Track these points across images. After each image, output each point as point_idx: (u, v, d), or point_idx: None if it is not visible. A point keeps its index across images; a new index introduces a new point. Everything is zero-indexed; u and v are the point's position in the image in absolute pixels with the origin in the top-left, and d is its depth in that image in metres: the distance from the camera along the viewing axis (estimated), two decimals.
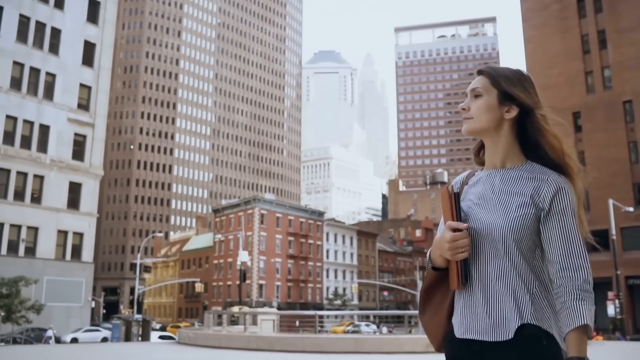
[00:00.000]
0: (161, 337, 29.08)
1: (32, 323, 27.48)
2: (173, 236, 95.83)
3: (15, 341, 25.40)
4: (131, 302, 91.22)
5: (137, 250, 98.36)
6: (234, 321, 20.89)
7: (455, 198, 1.75)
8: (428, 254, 1.86)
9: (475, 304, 1.71)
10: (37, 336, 29.00)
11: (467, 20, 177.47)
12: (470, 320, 1.72)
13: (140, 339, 26.80)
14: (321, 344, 13.48)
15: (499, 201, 1.74)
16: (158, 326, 50.08)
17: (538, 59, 44.29)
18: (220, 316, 19.30)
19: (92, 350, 18.33)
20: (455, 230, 1.69)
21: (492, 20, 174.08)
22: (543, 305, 1.67)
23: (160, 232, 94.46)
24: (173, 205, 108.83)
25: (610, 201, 27.84)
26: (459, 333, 1.74)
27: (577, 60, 42.26)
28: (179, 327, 41.97)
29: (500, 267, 1.69)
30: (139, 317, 27.94)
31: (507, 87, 1.77)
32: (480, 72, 1.85)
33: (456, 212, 1.73)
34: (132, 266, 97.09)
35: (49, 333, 26.78)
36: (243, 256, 35.46)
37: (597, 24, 41.82)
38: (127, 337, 26.59)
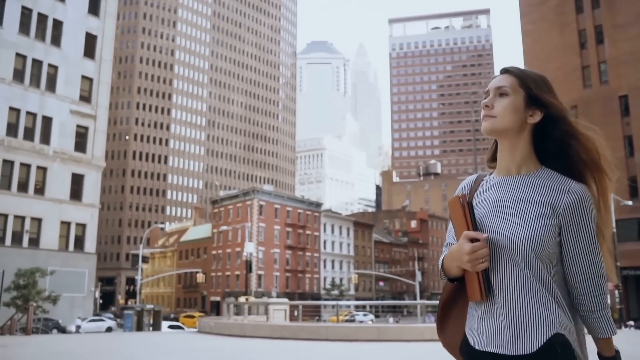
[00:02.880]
0: (171, 327, 29.42)
1: (49, 313, 27.86)
2: (170, 227, 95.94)
3: (32, 331, 25.73)
4: (127, 292, 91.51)
5: (133, 241, 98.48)
6: (238, 313, 21.34)
7: (469, 208, 1.69)
8: (440, 264, 1.81)
9: (496, 315, 1.64)
10: (44, 325, 29.34)
11: (460, 12, 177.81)
12: (492, 333, 1.64)
13: (151, 328, 27.13)
14: (345, 332, 13.98)
15: (515, 210, 1.66)
16: None
17: (536, 53, 44.88)
18: (237, 306, 19.79)
19: (127, 340, 18.69)
20: (472, 240, 1.63)
21: (486, 12, 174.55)
22: (567, 311, 1.63)
23: (156, 222, 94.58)
24: (169, 196, 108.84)
25: (612, 195, 28.62)
26: (478, 344, 1.67)
27: (574, 55, 42.92)
28: (192, 316, 42.53)
29: (521, 277, 1.62)
30: (150, 307, 28.28)
31: (537, 91, 1.71)
32: (506, 71, 1.76)
33: (471, 221, 1.68)
34: (129, 257, 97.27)
35: (78, 322, 27.14)
36: (249, 247, 35.85)
37: (594, 19, 42.46)
38: (139, 327, 26.91)
